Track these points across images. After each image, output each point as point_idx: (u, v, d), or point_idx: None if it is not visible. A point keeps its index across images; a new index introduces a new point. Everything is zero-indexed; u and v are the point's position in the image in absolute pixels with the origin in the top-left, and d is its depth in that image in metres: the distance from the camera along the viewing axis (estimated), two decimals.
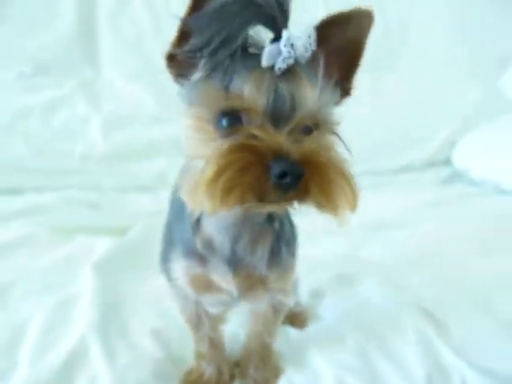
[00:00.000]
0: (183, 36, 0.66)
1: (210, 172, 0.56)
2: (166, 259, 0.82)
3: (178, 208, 0.80)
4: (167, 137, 2.14)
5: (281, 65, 0.60)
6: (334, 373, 0.91)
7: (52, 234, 1.54)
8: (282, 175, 0.55)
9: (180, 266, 0.79)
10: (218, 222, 0.75)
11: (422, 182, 2.24)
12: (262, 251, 0.78)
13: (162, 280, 0.86)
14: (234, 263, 0.77)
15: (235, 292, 0.78)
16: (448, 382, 0.92)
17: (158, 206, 1.94)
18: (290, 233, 0.82)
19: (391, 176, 2.27)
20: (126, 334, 1.02)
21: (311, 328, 1.07)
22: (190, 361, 0.95)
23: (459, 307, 1.09)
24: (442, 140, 2.37)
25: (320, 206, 0.60)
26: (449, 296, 1.14)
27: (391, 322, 1.04)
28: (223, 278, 0.77)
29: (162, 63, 2.28)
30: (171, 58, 0.71)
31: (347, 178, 0.60)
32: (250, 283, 0.79)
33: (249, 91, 0.60)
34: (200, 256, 0.77)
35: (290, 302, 0.90)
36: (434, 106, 2.43)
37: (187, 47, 0.63)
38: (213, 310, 0.88)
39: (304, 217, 0.67)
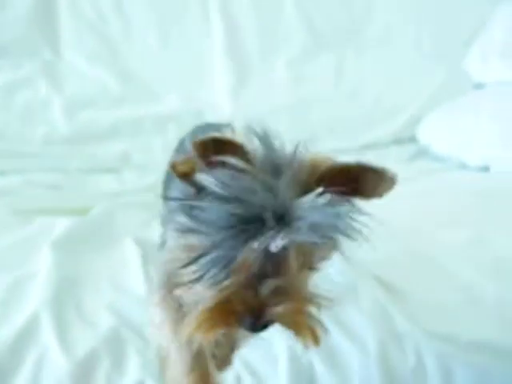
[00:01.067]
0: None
1: (203, 316, 0.65)
2: None
3: None
4: (130, 118, 2.12)
5: (274, 249, 0.63)
6: (287, 344, 0.92)
7: (12, 215, 1.51)
8: (249, 327, 0.65)
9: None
10: None
11: (386, 158, 2.23)
12: None
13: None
14: None
15: None
16: (401, 350, 0.93)
17: (122, 186, 1.96)
18: None
19: (356, 154, 2.26)
20: (81, 308, 1.01)
21: None
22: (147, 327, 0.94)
23: (417, 276, 1.10)
24: (406, 117, 2.37)
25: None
26: (407, 267, 1.14)
27: (345, 290, 1.04)
28: None
29: (123, 44, 2.27)
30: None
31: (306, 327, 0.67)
32: None
33: (241, 259, 0.64)
34: None
35: None
36: (398, 84, 2.42)
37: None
38: None
39: None
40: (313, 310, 0.68)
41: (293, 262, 0.66)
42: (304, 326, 0.66)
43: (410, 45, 2.53)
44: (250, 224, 0.61)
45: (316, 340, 0.67)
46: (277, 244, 0.63)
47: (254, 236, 0.61)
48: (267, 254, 0.64)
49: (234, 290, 0.65)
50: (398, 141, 2.35)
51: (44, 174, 1.93)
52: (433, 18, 2.56)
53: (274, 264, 0.65)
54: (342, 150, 2.23)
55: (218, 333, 0.67)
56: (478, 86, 2.38)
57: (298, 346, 0.84)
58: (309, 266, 0.71)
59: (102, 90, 2.21)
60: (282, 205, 0.61)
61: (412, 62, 2.49)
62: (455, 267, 1.12)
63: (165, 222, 0.97)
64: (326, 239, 0.65)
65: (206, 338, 0.67)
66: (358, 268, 1.12)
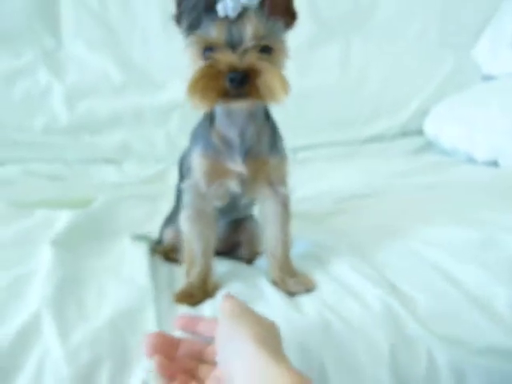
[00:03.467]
0: (178, 3, 0.93)
1: (191, 81, 0.87)
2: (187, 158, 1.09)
3: (193, 133, 1.10)
4: (131, 108, 2.11)
5: (231, 13, 0.87)
6: (297, 341, 0.89)
7: (11, 207, 1.48)
8: (232, 79, 0.85)
9: (199, 158, 1.02)
10: (227, 120, 1.00)
11: (392, 151, 2.22)
12: (264, 141, 1.03)
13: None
14: (244, 151, 1.01)
15: (245, 173, 1.01)
16: (414, 354, 0.90)
17: (122, 177, 1.93)
18: (280, 134, 1.08)
19: (361, 146, 2.25)
20: (83, 307, 0.97)
21: None
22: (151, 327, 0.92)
23: (425, 280, 1.06)
24: (413, 109, 2.35)
25: (264, 95, 0.87)
26: (414, 270, 1.10)
27: (355, 294, 1.01)
28: (235, 164, 1.01)
29: (125, 32, 2.26)
30: (176, 19, 0.95)
31: (278, 75, 0.87)
32: (257, 166, 1.02)
33: (214, 34, 0.88)
34: (216, 148, 1.01)
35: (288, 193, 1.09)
36: (405, 75, 2.40)
37: (176, 12, 0.94)
38: (218, 203, 1.07)
39: None
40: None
41: (250, 25, 0.87)
42: (274, 72, 0.87)
43: (416, 33, 2.49)
44: None
45: (285, 89, 0.86)
46: (230, 7, 0.86)
47: None
48: (230, 25, 0.87)
49: (214, 59, 0.87)
50: (405, 133, 2.33)
51: (44, 164, 1.92)
52: (440, 5, 2.52)
53: (238, 31, 0.87)
54: (346, 142, 2.21)
55: (211, 96, 0.87)
56: (487, 78, 2.35)
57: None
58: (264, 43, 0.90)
59: (103, 79, 2.18)
60: None
61: (419, 52, 2.46)
62: (465, 270, 1.08)
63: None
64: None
65: (204, 102, 0.88)
66: (366, 267, 1.10)
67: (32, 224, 1.37)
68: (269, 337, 0.72)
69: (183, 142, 2.13)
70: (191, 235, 1.06)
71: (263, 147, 1.03)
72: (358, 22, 2.43)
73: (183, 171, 1.11)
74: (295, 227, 1.12)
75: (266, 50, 0.90)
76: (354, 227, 1.36)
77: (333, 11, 2.37)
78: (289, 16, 0.96)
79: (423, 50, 2.47)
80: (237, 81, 0.85)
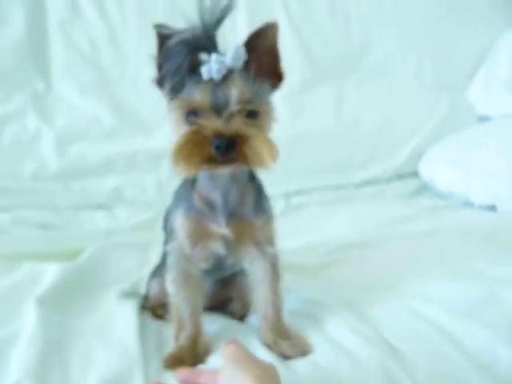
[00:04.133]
0: (158, 66, 0.93)
1: (176, 148, 0.85)
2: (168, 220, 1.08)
3: (175, 194, 1.08)
4: (123, 153, 2.08)
5: (216, 76, 0.86)
6: None
7: None
8: (218, 147, 0.84)
9: (182, 219, 1.01)
10: (210, 182, 0.99)
11: (388, 195, 2.20)
12: (248, 202, 1.01)
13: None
14: (227, 213, 0.99)
15: (230, 236, 0.99)
16: None
17: (114, 223, 1.90)
18: (265, 193, 1.07)
19: (356, 189, 2.22)
20: (67, 375, 0.93)
21: None
22: None
23: (422, 340, 1.02)
24: (408, 152, 2.32)
25: (252, 161, 0.87)
26: (411, 329, 1.06)
27: (351, 356, 0.96)
28: (219, 226, 0.99)
29: (116, 76, 2.24)
30: (157, 82, 0.95)
31: (266, 142, 0.86)
32: (242, 228, 1.00)
33: (198, 97, 0.87)
34: (199, 210, 1.00)
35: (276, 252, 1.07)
36: (400, 117, 2.39)
37: (158, 76, 0.94)
38: (203, 266, 1.05)
39: None
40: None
41: (234, 88, 0.86)
42: (261, 139, 0.86)
43: (410, 75, 2.49)
44: (186, 41, 0.85)
45: (273, 155, 0.86)
46: (214, 69, 0.85)
47: (191, 50, 0.86)
48: (215, 88, 0.86)
49: (199, 125, 0.86)
50: (400, 176, 2.31)
51: (33, 211, 1.88)
52: (434, 47, 2.52)
53: (223, 94, 0.86)
54: (340, 186, 2.19)
55: (197, 163, 0.85)
56: (483, 119, 2.34)
57: None
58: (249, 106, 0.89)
59: (94, 123, 2.16)
60: (207, 26, 0.86)
61: (413, 93, 2.46)
62: (464, 329, 1.03)
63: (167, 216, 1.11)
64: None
65: (188, 169, 0.86)
66: (364, 331, 1.05)
67: (18, 279, 1.33)
68: (269, 378, 0.75)
69: (173, 187, 2.10)
70: (178, 298, 1.04)
71: (247, 209, 1.02)
72: (351, 65, 2.42)
73: (167, 230, 1.10)
74: (288, 281, 1.10)
75: (252, 113, 0.90)
76: (349, 281, 1.32)
77: (326, 54, 2.37)
78: (275, 77, 0.95)
79: (417, 91, 2.46)
80: (223, 148, 0.84)
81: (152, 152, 2.13)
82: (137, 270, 1.41)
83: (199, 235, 1.01)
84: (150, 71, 2.18)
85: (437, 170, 2.17)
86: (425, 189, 2.23)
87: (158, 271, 1.17)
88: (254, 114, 0.90)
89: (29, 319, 1.08)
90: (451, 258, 1.40)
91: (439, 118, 2.40)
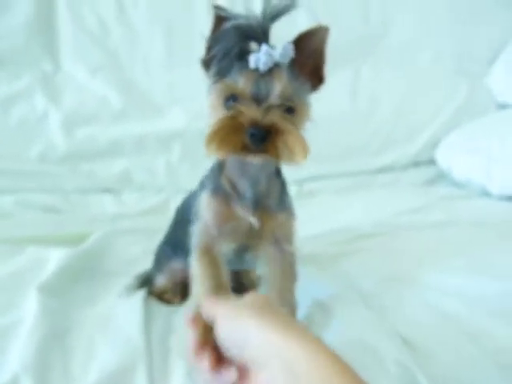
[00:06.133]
0: (208, 47, 0.92)
1: (211, 131, 0.85)
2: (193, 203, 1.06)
3: (203, 177, 1.09)
4: (131, 136, 2.05)
5: (262, 67, 0.87)
6: None
7: (2, 244, 1.41)
8: (253, 135, 0.84)
9: (209, 199, 1.01)
10: (239, 170, 1.00)
11: (403, 183, 2.18)
12: (273, 196, 1.02)
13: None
14: (254, 202, 1.00)
15: (255, 223, 1.00)
16: None
17: (122, 208, 1.87)
18: (288, 191, 1.08)
19: (371, 176, 2.19)
20: (69, 370, 0.89)
21: None
22: None
23: (442, 336, 0.98)
24: (426, 139, 2.28)
25: (283, 155, 0.86)
26: (430, 325, 1.02)
27: (368, 352, 0.92)
28: (245, 211, 1.00)
29: (126, 56, 2.20)
30: (204, 63, 0.94)
31: (300, 138, 0.86)
32: (266, 218, 1.01)
33: (241, 84, 0.87)
34: (226, 192, 1.01)
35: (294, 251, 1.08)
36: (417, 102, 2.34)
37: (207, 57, 0.92)
38: (225, 248, 1.05)
39: None
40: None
41: (278, 83, 0.87)
42: (295, 134, 0.86)
43: (429, 60, 2.44)
44: (241, 28, 0.86)
45: (304, 152, 0.85)
46: (262, 61, 0.86)
47: (244, 37, 0.87)
48: (259, 79, 0.87)
49: (237, 111, 0.86)
50: (416, 163, 2.27)
51: (39, 194, 1.86)
52: (454, 32, 2.46)
53: (266, 86, 0.87)
54: (355, 173, 2.15)
55: (229, 148, 0.85)
56: (503, 106, 2.28)
57: None
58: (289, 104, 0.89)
59: (102, 105, 2.12)
60: (264, 18, 0.86)
61: (432, 79, 2.41)
62: (485, 325, 0.99)
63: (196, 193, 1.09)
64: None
65: (219, 153, 0.86)
66: (379, 321, 1.02)
67: (22, 264, 1.29)
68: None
69: (184, 171, 2.05)
70: (202, 273, 1.03)
71: (272, 201, 1.03)
72: (368, 49, 2.37)
73: (187, 216, 1.08)
74: (300, 272, 1.07)
75: (289, 110, 0.90)
76: (363, 273, 1.28)
77: (343, 38, 2.30)
78: (316, 79, 0.97)
79: (436, 77, 2.41)
80: (258, 137, 0.85)
81: (162, 135, 2.10)
82: (144, 257, 1.36)
83: (225, 216, 1.01)
84: (161, 52, 2.17)
85: (454, 157, 2.12)
86: (441, 177, 2.19)
87: (162, 264, 1.20)
88: (292, 110, 0.91)
89: (30, 308, 1.04)
90: (467, 250, 1.36)
91: (458, 104, 2.35)
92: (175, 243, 1.16)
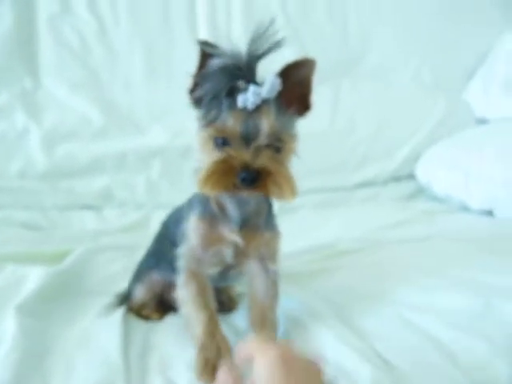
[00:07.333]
0: (195, 84, 0.95)
1: (205, 174, 0.89)
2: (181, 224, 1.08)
3: (192, 197, 1.10)
4: (112, 152, 2.04)
5: (250, 106, 0.89)
6: None
7: None
8: (244, 179, 0.87)
9: (196, 222, 1.04)
10: (230, 197, 1.02)
11: (383, 197, 2.19)
12: (261, 216, 1.05)
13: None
14: (241, 222, 1.02)
15: (240, 243, 1.02)
16: None
17: (102, 224, 1.87)
18: (274, 211, 1.11)
19: (351, 192, 2.21)
20: None
21: None
22: None
23: (419, 355, 0.98)
24: (405, 154, 2.30)
25: (273, 193, 0.91)
26: (407, 340, 1.02)
27: (343, 370, 0.92)
28: (231, 232, 1.02)
29: (107, 74, 2.19)
30: (191, 97, 0.96)
31: (288, 178, 0.91)
32: (252, 237, 1.04)
33: (230, 125, 0.90)
34: (213, 215, 1.03)
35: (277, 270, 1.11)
36: (396, 118, 2.36)
37: (195, 95, 0.94)
38: (211, 271, 1.07)
39: None
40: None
41: (266, 121, 0.89)
42: (284, 175, 0.90)
43: (408, 76, 2.47)
44: (228, 68, 0.88)
45: (293, 191, 0.90)
46: (250, 101, 0.88)
47: (231, 78, 0.89)
48: (247, 118, 0.89)
49: (228, 154, 0.89)
50: (396, 178, 2.29)
51: (19, 211, 1.85)
52: (432, 48, 2.50)
53: (255, 125, 0.89)
54: (335, 189, 2.16)
55: (222, 188, 0.89)
56: (481, 121, 2.31)
57: None
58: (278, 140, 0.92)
59: (83, 122, 2.11)
60: (251, 57, 0.89)
61: (410, 95, 2.43)
62: (460, 342, 0.99)
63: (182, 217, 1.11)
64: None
65: (213, 192, 0.90)
66: (356, 344, 1.00)
67: (0, 283, 1.27)
68: None
69: (164, 187, 2.05)
70: (190, 296, 1.04)
71: (259, 221, 1.05)
72: (347, 68, 2.40)
73: (172, 230, 1.13)
74: (279, 289, 1.08)
75: (277, 149, 0.94)
76: (340, 289, 1.28)
77: (323, 56, 2.32)
78: (302, 106, 1.00)
79: (415, 93, 2.44)
80: (248, 180, 0.88)
81: (142, 152, 2.10)
82: (124, 274, 1.35)
83: (211, 239, 1.04)
84: (141, 70, 2.17)
85: (434, 172, 2.14)
86: (421, 192, 2.21)
87: (142, 275, 1.20)
88: (279, 149, 0.94)
89: (8, 328, 1.03)
90: (446, 266, 1.36)
91: (437, 119, 2.37)
92: (159, 256, 1.18)
